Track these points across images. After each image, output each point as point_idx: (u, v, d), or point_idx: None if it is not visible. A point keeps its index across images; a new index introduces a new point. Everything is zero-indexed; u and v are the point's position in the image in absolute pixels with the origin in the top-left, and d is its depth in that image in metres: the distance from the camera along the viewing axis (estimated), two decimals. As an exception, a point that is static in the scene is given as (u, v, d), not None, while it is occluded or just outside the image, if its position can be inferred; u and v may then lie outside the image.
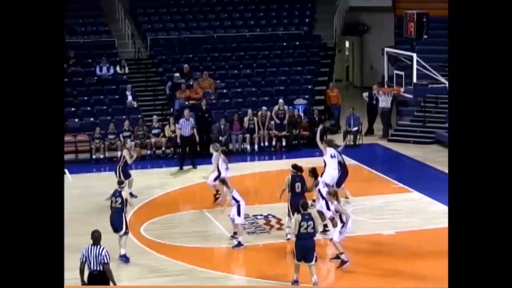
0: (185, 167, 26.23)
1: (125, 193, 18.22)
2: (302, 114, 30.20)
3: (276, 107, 29.60)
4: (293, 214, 17.91)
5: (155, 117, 29.16)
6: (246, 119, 29.20)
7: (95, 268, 13.58)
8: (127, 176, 22.46)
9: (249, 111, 29.43)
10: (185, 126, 26.99)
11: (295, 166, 19.16)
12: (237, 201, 18.82)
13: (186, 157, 26.63)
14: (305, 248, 16.02)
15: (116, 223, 17.83)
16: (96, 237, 13.82)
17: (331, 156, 20.59)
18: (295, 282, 16.24)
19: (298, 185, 18.68)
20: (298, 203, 17.11)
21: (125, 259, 17.71)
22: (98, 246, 13.66)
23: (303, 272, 16.19)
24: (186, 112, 27.38)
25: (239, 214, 18.71)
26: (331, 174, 20.33)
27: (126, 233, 17.94)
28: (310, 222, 16.08)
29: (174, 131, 27.68)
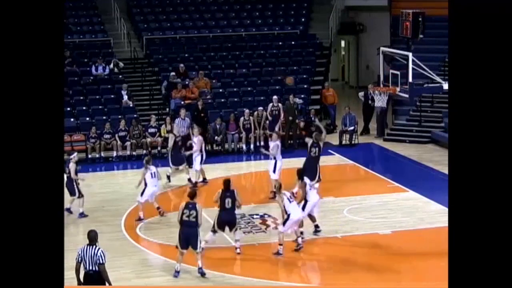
0: (180, 167, 26.20)
1: (71, 165, 21.00)
2: (299, 105, 30.25)
3: (270, 105, 29.55)
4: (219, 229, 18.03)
5: (153, 116, 29.13)
6: (242, 119, 29.19)
7: (90, 268, 13.55)
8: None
9: (246, 111, 29.41)
10: (182, 126, 26.98)
11: (225, 182, 18.44)
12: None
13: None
14: (187, 236, 16.61)
15: (69, 189, 20.85)
16: (92, 237, 13.80)
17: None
18: (177, 272, 16.75)
19: (228, 201, 17.93)
20: (225, 220, 17.69)
21: (83, 216, 21.09)
22: (94, 246, 13.64)
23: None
24: (182, 111, 27.37)
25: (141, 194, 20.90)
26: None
27: (80, 196, 21.24)
28: (193, 211, 16.62)
29: (170, 131, 27.62)
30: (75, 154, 21.64)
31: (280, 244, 17.79)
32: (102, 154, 28.08)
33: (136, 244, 19.03)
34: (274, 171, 22.37)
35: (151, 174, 20.89)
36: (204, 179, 24.44)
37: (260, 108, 29.63)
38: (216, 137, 28.68)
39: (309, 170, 20.70)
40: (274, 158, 22.43)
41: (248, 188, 24.88)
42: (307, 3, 38.59)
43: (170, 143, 24.98)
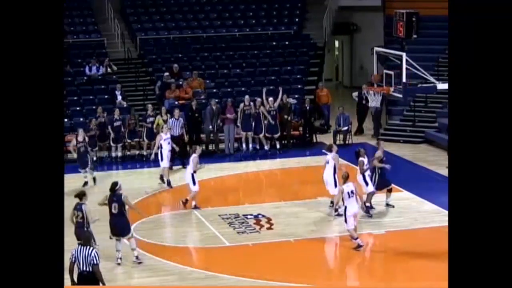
0: (174, 167, 26.18)
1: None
2: (293, 105, 30.14)
3: (241, 105, 28.95)
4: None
5: (150, 105, 28.98)
6: (242, 105, 28.71)
7: (84, 268, 13.55)
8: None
9: (246, 97, 29.02)
10: (175, 126, 26.85)
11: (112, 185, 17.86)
12: None
13: (175, 157, 26.52)
14: (78, 236, 16.60)
15: None
16: (86, 238, 13.79)
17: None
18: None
19: (114, 206, 17.56)
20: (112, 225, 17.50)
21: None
22: (88, 247, 13.63)
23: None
24: (176, 111, 27.26)
25: None
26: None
27: None
28: (79, 213, 16.83)
29: (166, 121, 27.33)
30: None
31: (355, 239, 18.14)
32: (97, 154, 27.96)
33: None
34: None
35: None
36: (168, 181, 24.33)
37: (259, 99, 29.26)
38: (210, 127, 28.40)
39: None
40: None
41: (242, 188, 24.84)
42: (301, 3, 38.60)
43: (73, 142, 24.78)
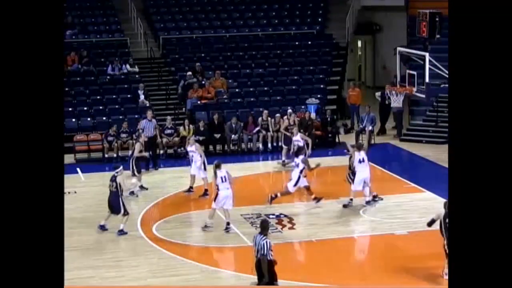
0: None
1: (120, 178, 19.77)
2: (314, 114, 30.02)
3: (259, 119, 29.15)
4: None
5: (169, 117, 29.12)
6: (260, 119, 28.92)
7: (256, 255, 14.20)
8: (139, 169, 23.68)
9: (265, 111, 29.18)
10: (148, 128, 26.70)
11: None
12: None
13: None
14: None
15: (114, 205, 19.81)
16: (264, 226, 14.54)
17: (360, 161, 21.27)
18: None
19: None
20: None
21: (121, 233, 19.52)
22: (262, 236, 14.23)
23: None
24: (149, 113, 27.41)
25: None
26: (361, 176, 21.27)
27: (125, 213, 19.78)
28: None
29: (189, 132, 27.64)
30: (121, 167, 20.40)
31: (351, 199, 21.10)
32: (119, 154, 28.06)
33: (152, 243, 19.06)
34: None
35: (221, 178, 19.66)
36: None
37: (278, 115, 29.25)
38: (232, 136, 28.65)
39: None
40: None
41: (264, 188, 24.84)
42: (324, 3, 38.58)
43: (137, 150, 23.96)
